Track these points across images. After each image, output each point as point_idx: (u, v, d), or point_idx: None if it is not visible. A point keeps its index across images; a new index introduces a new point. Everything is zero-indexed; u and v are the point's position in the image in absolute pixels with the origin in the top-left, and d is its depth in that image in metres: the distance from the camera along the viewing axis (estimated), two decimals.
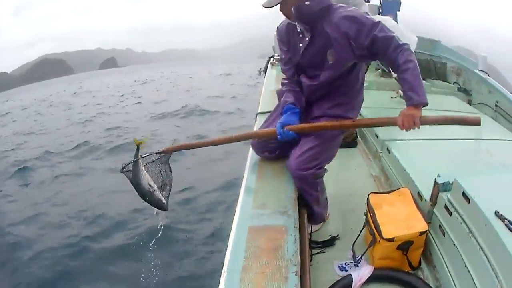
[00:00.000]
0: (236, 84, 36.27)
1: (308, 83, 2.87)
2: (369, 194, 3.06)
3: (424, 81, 7.43)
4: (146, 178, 2.73)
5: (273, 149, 3.04)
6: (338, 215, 3.47)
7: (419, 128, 2.49)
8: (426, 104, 2.46)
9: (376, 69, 8.17)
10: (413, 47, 4.88)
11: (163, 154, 2.88)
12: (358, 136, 5.16)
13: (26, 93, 65.85)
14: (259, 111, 4.39)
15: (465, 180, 2.54)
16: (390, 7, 7.95)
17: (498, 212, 2.22)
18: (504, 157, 4.14)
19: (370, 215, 2.87)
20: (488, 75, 7.52)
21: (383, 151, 4.24)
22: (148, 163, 2.84)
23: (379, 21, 2.50)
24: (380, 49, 2.49)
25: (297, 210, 2.55)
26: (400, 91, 6.52)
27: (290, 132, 2.66)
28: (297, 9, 2.55)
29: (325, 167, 2.95)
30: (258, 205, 2.52)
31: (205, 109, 21.20)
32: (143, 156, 2.78)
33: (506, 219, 2.17)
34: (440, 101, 7.02)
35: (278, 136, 2.69)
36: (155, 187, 2.76)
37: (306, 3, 2.54)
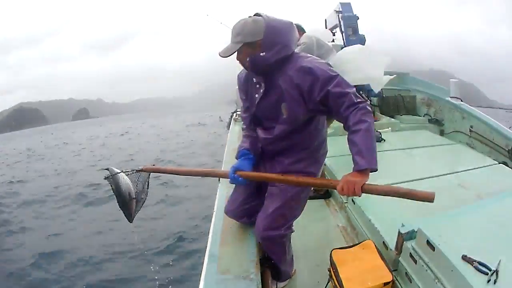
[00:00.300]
0: (204, 132, 37.77)
1: (263, 135, 2.74)
2: (332, 251, 3.00)
3: (392, 119, 7.57)
4: (126, 188, 2.90)
5: (252, 213, 2.91)
6: (305, 270, 3.41)
7: (359, 196, 2.22)
8: (374, 170, 2.21)
9: None
10: (378, 88, 4.90)
11: (142, 172, 3.02)
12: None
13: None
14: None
15: (429, 227, 2.51)
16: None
17: (466, 256, 2.15)
18: (479, 187, 4.16)
19: (333, 271, 2.81)
20: (461, 101, 7.52)
21: (348, 202, 4.16)
22: (128, 174, 3.00)
23: (337, 75, 2.33)
24: (333, 106, 2.32)
25: (259, 273, 2.51)
26: None
27: (240, 178, 2.56)
28: (251, 60, 2.45)
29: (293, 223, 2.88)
30: (222, 271, 2.47)
31: (172, 160, 21.57)
32: (124, 171, 2.93)
33: (475, 261, 2.10)
34: (410, 137, 7.01)
35: (229, 180, 2.61)
36: (133, 195, 2.94)
37: (261, 54, 2.41)
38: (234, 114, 7.65)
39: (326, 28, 8.95)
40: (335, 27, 8.87)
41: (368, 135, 2.20)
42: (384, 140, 6.39)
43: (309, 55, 2.56)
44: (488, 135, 6.53)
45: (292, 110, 2.47)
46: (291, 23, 2.47)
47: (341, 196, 4.31)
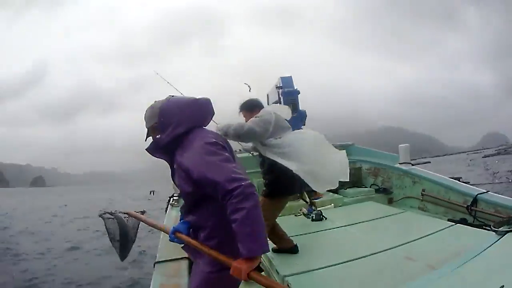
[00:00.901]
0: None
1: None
2: None
3: (336, 194, 7.60)
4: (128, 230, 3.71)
5: None
6: None
7: (246, 281, 2.17)
8: (257, 257, 2.18)
9: None
10: (322, 190, 4.30)
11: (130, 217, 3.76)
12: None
13: None
14: (157, 260, 4.01)
15: None
16: (294, 124, 7.77)
17: None
18: (431, 255, 3.91)
19: None
20: (412, 165, 7.31)
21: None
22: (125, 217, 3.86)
23: (216, 161, 2.29)
24: (211, 192, 2.27)
25: None
26: (303, 209, 6.27)
27: (175, 238, 2.62)
28: (152, 143, 2.64)
29: None
30: None
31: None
32: (113, 212, 3.84)
33: None
34: (354, 211, 6.59)
35: (168, 239, 2.69)
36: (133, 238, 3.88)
37: (157, 136, 2.60)
38: (171, 199, 7.18)
39: (267, 103, 8.87)
40: (276, 103, 8.61)
41: (246, 222, 2.12)
42: (326, 218, 6.00)
43: (210, 131, 2.66)
44: (443, 195, 6.26)
45: (180, 186, 2.51)
46: (195, 100, 2.64)
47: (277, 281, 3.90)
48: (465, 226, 4.87)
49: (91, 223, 21.04)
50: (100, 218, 3.93)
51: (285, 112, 4.39)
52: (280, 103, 8.34)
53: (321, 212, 6.11)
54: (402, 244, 4.37)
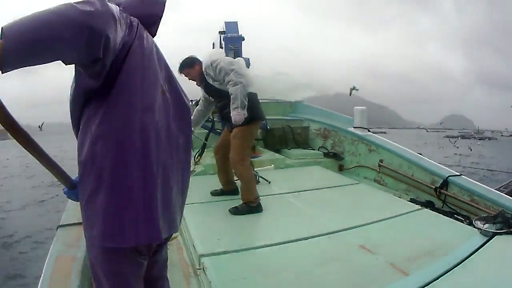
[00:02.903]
0: None
1: None
2: None
3: (277, 154, 7.06)
4: None
5: None
6: None
7: None
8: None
9: None
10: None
11: None
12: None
13: None
14: (60, 223, 3.39)
15: None
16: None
17: None
18: (393, 249, 3.18)
19: None
20: (369, 130, 6.62)
21: (201, 270, 3.13)
22: None
23: None
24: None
25: None
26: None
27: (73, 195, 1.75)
28: None
29: None
30: None
31: None
32: None
33: None
34: (298, 176, 5.93)
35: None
36: None
37: None
38: None
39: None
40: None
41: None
42: (269, 182, 5.32)
43: None
44: (405, 171, 5.60)
45: None
46: None
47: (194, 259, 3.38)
48: (436, 213, 4.17)
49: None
50: None
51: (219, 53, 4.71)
52: (222, 48, 7.90)
53: (257, 173, 5.28)
54: (355, 227, 3.65)
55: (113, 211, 1.53)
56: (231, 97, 4.15)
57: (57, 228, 3.34)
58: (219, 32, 8.44)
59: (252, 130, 4.52)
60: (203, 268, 3.06)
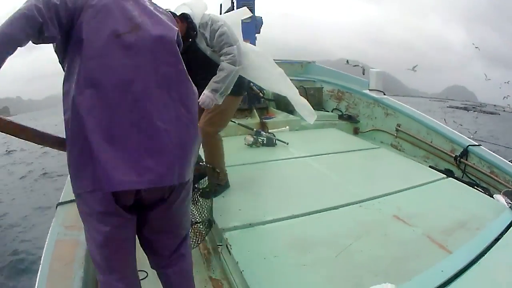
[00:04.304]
0: None
1: None
2: None
3: (291, 115, 6.69)
4: None
5: None
6: None
7: None
8: None
9: None
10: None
11: None
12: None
13: None
14: (60, 200, 3.19)
15: None
16: (247, 30, 6.58)
17: None
18: (426, 219, 3.11)
19: None
20: (384, 94, 6.51)
21: (223, 246, 2.91)
22: None
23: None
24: None
25: None
26: (248, 137, 5.14)
27: None
28: None
29: None
30: None
31: None
32: None
33: None
34: (314, 138, 5.76)
35: None
36: None
37: None
38: None
39: (220, 14, 7.53)
40: (229, 10, 7.38)
41: None
42: (287, 143, 5.14)
43: None
44: (424, 137, 5.51)
45: None
46: None
47: (214, 236, 3.16)
48: (461, 183, 4.05)
49: None
50: None
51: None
52: (233, 6, 7.38)
53: (273, 135, 5.18)
54: (385, 195, 3.53)
55: (71, 159, 1.69)
56: (219, 72, 3.31)
57: (56, 207, 3.16)
58: None
59: (237, 103, 3.95)
60: (226, 245, 2.84)
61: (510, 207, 3.21)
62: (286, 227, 2.96)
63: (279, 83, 3.73)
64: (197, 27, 3.40)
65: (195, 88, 1.94)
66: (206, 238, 3.24)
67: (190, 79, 1.91)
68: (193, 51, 3.38)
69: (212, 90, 3.18)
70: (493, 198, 3.60)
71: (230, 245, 2.76)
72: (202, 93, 3.18)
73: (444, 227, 2.94)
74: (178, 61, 1.86)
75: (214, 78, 3.22)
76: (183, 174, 1.77)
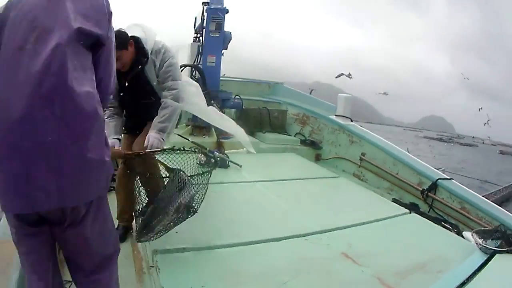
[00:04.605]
0: None
1: None
2: None
3: (250, 137, 6.04)
4: None
5: None
6: None
7: None
8: None
9: (186, 125, 6.45)
10: None
11: None
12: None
13: None
14: None
15: None
16: (214, 45, 6.83)
17: None
18: (379, 260, 2.84)
19: None
20: (351, 120, 6.32)
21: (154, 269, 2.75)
22: None
23: None
24: None
25: None
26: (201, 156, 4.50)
27: None
28: None
29: None
30: None
31: None
32: None
33: None
34: (272, 163, 5.55)
35: None
36: None
37: None
38: None
39: (194, 27, 7.73)
40: (201, 21, 7.48)
41: None
42: (241, 166, 4.90)
43: None
44: (389, 168, 5.30)
45: None
46: None
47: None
48: (425, 219, 3.82)
49: None
50: None
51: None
52: (203, 20, 7.26)
53: (227, 156, 4.98)
54: (336, 229, 3.26)
55: None
56: (163, 110, 3.16)
57: None
58: (203, 2, 7.68)
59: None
60: (156, 268, 2.66)
61: (480, 248, 2.94)
62: (220, 256, 2.76)
63: (214, 117, 3.95)
64: (149, 53, 3.19)
65: (90, 104, 1.74)
66: (142, 254, 3.15)
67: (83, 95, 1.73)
68: (139, 79, 3.17)
69: (159, 130, 3.05)
70: (463, 236, 3.39)
71: (159, 269, 2.61)
72: (148, 135, 3.04)
73: (399, 269, 2.67)
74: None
75: (159, 118, 3.09)
76: (67, 197, 1.69)
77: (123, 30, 3.10)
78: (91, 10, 1.79)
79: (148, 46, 3.17)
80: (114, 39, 1.94)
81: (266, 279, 2.47)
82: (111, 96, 2.75)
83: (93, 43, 1.77)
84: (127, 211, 3.24)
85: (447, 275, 2.54)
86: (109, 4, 1.89)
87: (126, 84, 3.13)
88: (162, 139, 3.02)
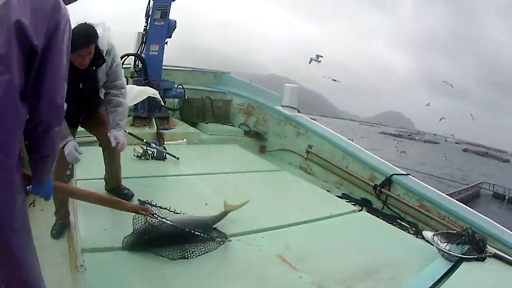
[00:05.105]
0: None
1: None
2: None
3: (192, 128, 6.49)
4: None
5: None
6: None
7: None
8: None
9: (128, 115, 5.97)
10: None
11: None
12: None
13: None
14: None
15: None
16: (158, 33, 6.65)
17: None
18: (321, 265, 2.56)
19: None
20: (298, 111, 6.16)
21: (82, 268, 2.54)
22: None
23: None
24: None
25: None
26: (142, 147, 4.51)
27: None
28: None
29: None
30: None
31: None
32: None
33: None
34: (213, 154, 5.32)
35: None
36: None
37: None
38: None
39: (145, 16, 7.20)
40: (147, 10, 7.07)
41: None
42: (178, 158, 4.52)
43: None
44: (339, 161, 5.12)
45: None
46: None
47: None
48: (378, 219, 3.57)
49: None
50: None
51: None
52: (149, 7, 6.91)
53: (165, 148, 4.67)
54: (274, 228, 3.01)
55: None
56: (118, 108, 3.26)
57: None
58: None
59: None
60: (83, 267, 2.45)
61: (443, 255, 2.63)
62: (145, 258, 2.49)
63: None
64: (106, 49, 3.15)
65: None
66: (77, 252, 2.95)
67: None
68: (91, 78, 3.16)
69: (121, 128, 3.22)
70: (423, 236, 3.17)
71: (85, 269, 2.43)
72: (113, 135, 3.14)
73: (344, 275, 2.42)
74: None
75: (117, 116, 3.23)
76: None
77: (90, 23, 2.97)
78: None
79: (103, 47, 3.10)
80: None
81: (190, 284, 2.28)
82: None
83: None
84: (63, 208, 3.41)
85: (402, 286, 2.29)
86: None
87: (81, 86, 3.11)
88: (123, 135, 3.20)
